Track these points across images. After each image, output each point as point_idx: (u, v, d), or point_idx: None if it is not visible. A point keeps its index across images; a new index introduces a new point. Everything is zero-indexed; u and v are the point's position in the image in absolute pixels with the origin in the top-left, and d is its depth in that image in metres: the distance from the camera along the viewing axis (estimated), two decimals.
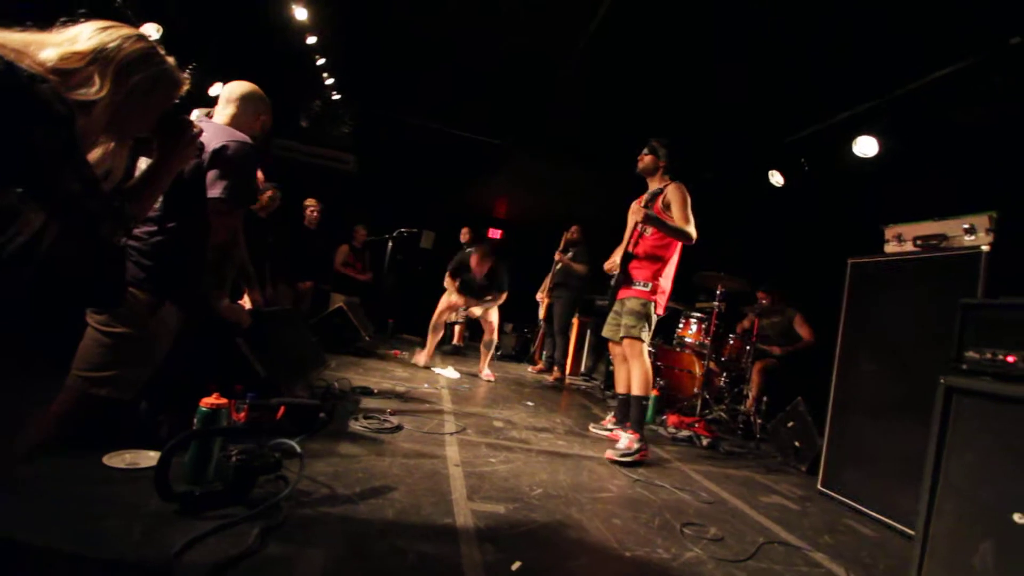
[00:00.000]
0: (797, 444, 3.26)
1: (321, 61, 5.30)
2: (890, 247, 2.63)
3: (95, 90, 0.99)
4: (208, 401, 1.46)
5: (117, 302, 1.00)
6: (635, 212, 2.85)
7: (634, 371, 2.85)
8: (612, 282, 3.04)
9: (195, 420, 1.47)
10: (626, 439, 2.64)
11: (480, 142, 7.11)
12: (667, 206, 2.86)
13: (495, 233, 8.37)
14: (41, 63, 0.93)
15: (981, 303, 1.74)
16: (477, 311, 4.64)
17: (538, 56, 4.87)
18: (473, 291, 4.61)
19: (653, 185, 3.04)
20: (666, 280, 2.93)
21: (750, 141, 5.48)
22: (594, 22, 4.13)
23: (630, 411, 2.82)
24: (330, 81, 5.76)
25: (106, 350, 1.51)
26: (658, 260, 2.90)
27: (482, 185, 7.50)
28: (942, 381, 1.69)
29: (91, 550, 1.07)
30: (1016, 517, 1.40)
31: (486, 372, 4.63)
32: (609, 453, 2.54)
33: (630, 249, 2.98)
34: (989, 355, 1.61)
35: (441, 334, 4.74)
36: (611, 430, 3.11)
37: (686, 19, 3.98)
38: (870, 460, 2.43)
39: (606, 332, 3.08)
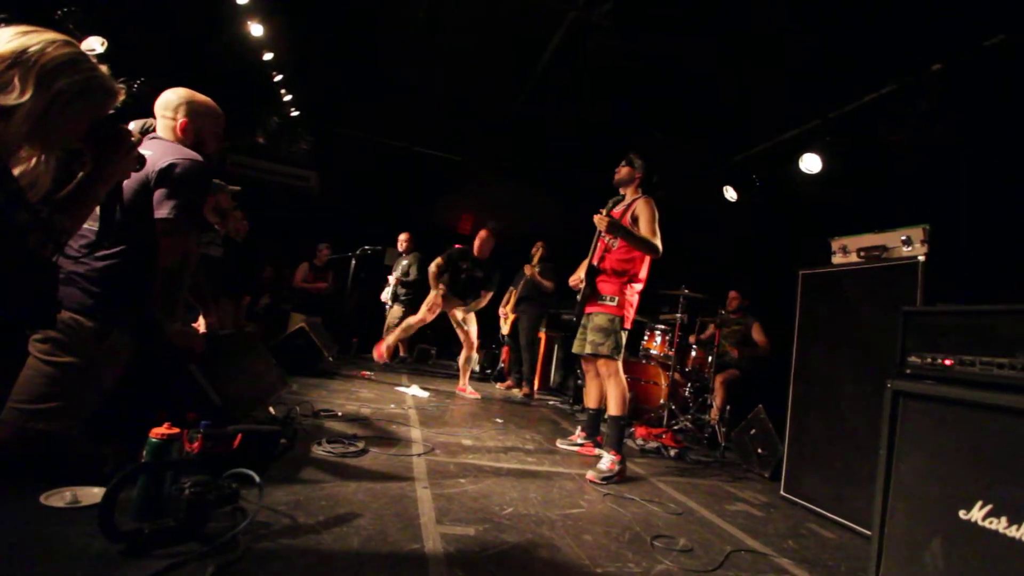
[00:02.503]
0: (760, 451, 3.35)
1: (278, 77, 5.22)
2: (837, 258, 2.77)
3: (15, 96, 0.93)
4: (158, 431, 1.38)
5: (47, 320, 0.94)
6: (600, 221, 2.81)
7: (610, 391, 2.79)
8: (578, 296, 3.05)
9: (144, 452, 1.38)
10: (607, 460, 2.58)
11: (441, 159, 7.14)
12: (635, 219, 2.88)
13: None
14: None
15: (920, 311, 1.85)
16: (458, 314, 4.57)
17: (495, 82, 4.98)
18: (461, 287, 4.53)
19: (627, 195, 3.09)
20: (633, 294, 2.91)
21: (705, 157, 5.71)
22: (545, 55, 4.26)
23: (608, 431, 2.75)
24: (288, 97, 5.67)
25: (49, 381, 1.42)
26: (624, 274, 2.88)
27: (445, 202, 7.51)
28: (889, 385, 1.78)
29: None
30: (962, 513, 1.48)
31: (469, 389, 4.59)
32: (591, 475, 2.49)
33: (595, 263, 2.98)
34: (929, 359, 1.71)
35: (407, 335, 4.71)
36: (580, 444, 3.11)
37: (640, 46, 4.16)
38: (827, 464, 2.52)
39: (575, 347, 3.08)
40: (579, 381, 5.09)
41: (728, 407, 4.06)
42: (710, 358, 4.35)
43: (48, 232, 0.94)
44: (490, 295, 4.66)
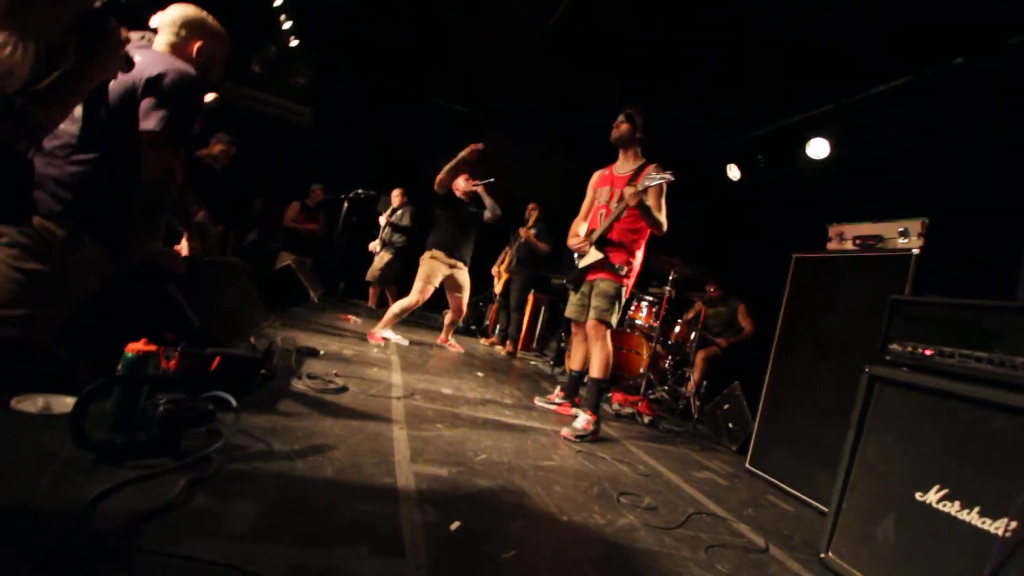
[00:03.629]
0: (730, 425, 3.44)
1: (279, 2, 4.94)
2: (832, 244, 2.77)
3: None
4: (135, 347, 1.35)
5: (18, 216, 0.89)
6: (632, 198, 2.69)
7: (595, 353, 2.81)
8: (578, 261, 2.98)
9: (119, 367, 1.36)
10: (583, 419, 2.61)
11: (445, 108, 6.92)
12: (644, 190, 2.77)
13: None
14: None
15: (908, 300, 1.86)
16: (453, 274, 4.32)
17: (511, 31, 4.76)
18: (460, 239, 4.31)
19: (626, 158, 2.97)
20: (636, 264, 2.91)
21: (711, 134, 5.61)
22: (559, 9, 4.06)
23: (588, 392, 2.78)
24: (287, 25, 5.39)
25: (17, 287, 1.37)
26: (632, 244, 2.87)
27: (444, 154, 7.33)
28: (867, 370, 1.81)
29: None
30: (917, 495, 1.53)
31: (451, 342, 4.62)
32: (565, 432, 2.53)
33: (605, 233, 2.89)
34: (910, 348, 1.73)
35: (399, 319, 4.36)
36: (558, 404, 3.15)
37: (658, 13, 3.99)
38: (795, 443, 2.59)
39: (570, 312, 3.05)
40: (562, 344, 5.14)
41: (705, 382, 4.14)
42: (693, 334, 4.40)
43: (22, 125, 0.88)
44: (493, 214, 4.38)
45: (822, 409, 2.48)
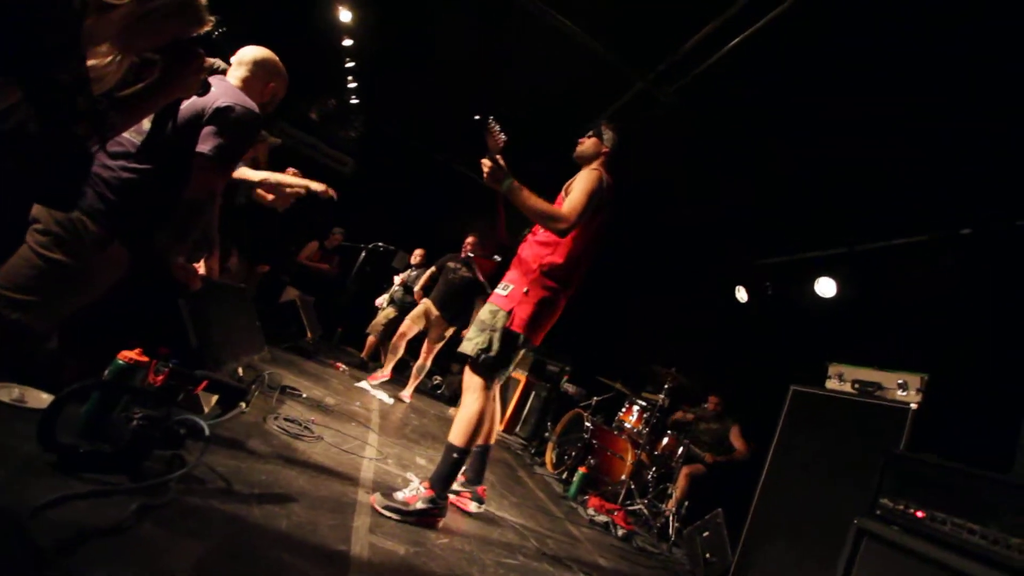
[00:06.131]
0: (708, 556, 3.23)
1: (350, 64, 5.41)
2: (831, 383, 2.77)
3: None
4: (127, 355, 1.35)
5: (69, 203, 0.95)
6: (484, 165, 1.98)
7: (462, 408, 2.08)
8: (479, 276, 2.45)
9: (107, 372, 1.35)
10: (412, 491, 1.89)
11: (474, 182, 7.27)
12: (568, 192, 2.16)
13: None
14: None
15: (902, 455, 1.83)
16: (435, 334, 4.50)
17: (547, 128, 5.11)
18: (449, 290, 4.48)
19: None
20: (541, 294, 2.10)
21: (726, 253, 5.80)
22: (616, 104, 4.38)
23: (440, 462, 2.05)
24: (352, 84, 5.86)
25: (35, 273, 1.40)
26: (536, 261, 2.14)
27: (466, 223, 7.62)
28: (855, 522, 1.74)
29: None
30: None
31: (405, 393, 4.50)
32: (375, 498, 1.82)
33: (512, 241, 2.32)
34: (902, 506, 1.68)
35: (399, 355, 4.57)
36: (456, 493, 2.31)
37: (695, 130, 4.31)
38: None
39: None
40: (546, 435, 4.99)
41: (687, 502, 3.96)
42: (680, 449, 4.27)
43: (98, 124, 0.96)
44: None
45: (806, 553, 2.35)
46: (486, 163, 1.97)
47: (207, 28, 1.20)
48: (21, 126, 0.78)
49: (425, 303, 4.57)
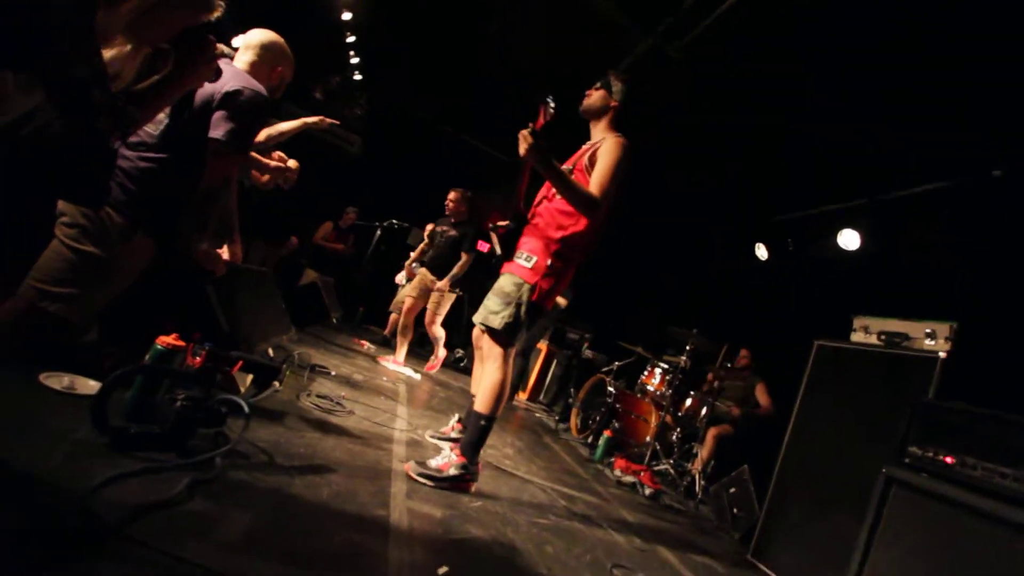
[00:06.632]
0: (736, 511, 3.29)
1: (351, 39, 5.31)
2: (856, 336, 2.73)
3: None
4: (165, 340, 1.40)
5: (97, 200, 0.97)
6: (524, 139, 1.94)
7: (485, 377, 2.09)
8: (496, 249, 2.32)
9: (147, 356, 1.41)
10: (446, 458, 1.95)
11: (484, 153, 7.19)
12: (592, 162, 2.11)
13: (483, 247, 8.39)
14: None
15: (931, 403, 1.81)
16: (436, 293, 4.42)
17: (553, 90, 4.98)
18: (437, 252, 4.47)
19: (595, 134, 2.27)
20: (562, 261, 2.12)
21: (743, 210, 5.69)
22: (625, 61, 4.24)
23: (466, 428, 2.14)
24: (355, 60, 5.77)
25: (68, 266, 1.45)
26: (558, 231, 2.11)
27: (481, 198, 7.58)
28: (884, 471, 1.75)
29: (2, 466, 1.01)
30: None
31: (396, 360, 4.33)
32: (410, 466, 1.89)
33: (530, 210, 2.27)
34: (931, 453, 1.68)
35: (411, 336, 4.53)
36: (453, 440, 2.39)
37: (705, 87, 4.17)
38: (802, 538, 2.47)
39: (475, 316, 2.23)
40: (570, 400, 5.07)
41: (713, 462, 4.00)
42: (705, 408, 4.30)
43: (119, 120, 0.98)
44: (468, 259, 4.41)
45: (833, 506, 2.38)
46: (526, 136, 1.93)
47: (217, 13, 1.19)
48: (46, 125, 0.79)
49: (422, 273, 4.52)
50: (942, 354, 2.24)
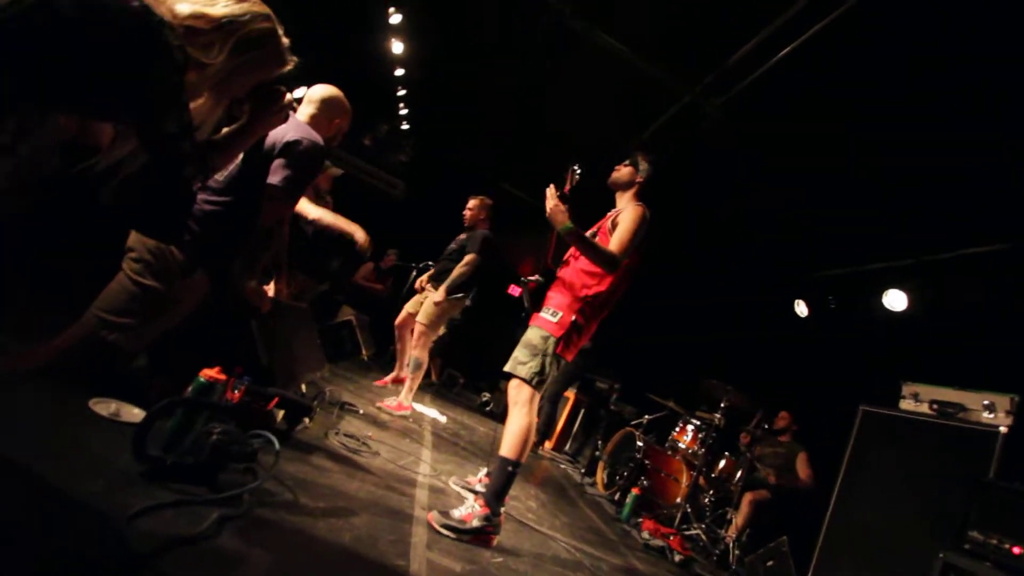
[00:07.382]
0: None
1: (401, 92, 5.66)
2: (905, 404, 2.59)
3: (212, 55, 1.09)
4: (209, 373, 1.46)
5: (175, 237, 1.06)
6: (554, 212, 2.14)
7: (510, 422, 2.13)
8: (525, 301, 2.48)
9: (189, 388, 1.47)
10: (468, 508, 1.94)
11: (522, 201, 7.37)
12: (615, 226, 2.29)
13: (514, 290, 8.44)
14: (174, 15, 1.04)
15: (994, 483, 1.68)
16: (435, 298, 3.88)
17: (594, 143, 5.13)
18: (440, 271, 4.01)
19: (620, 203, 2.48)
20: (584, 318, 2.23)
21: (781, 265, 5.57)
22: (648, 132, 4.36)
23: (492, 476, 2.13)
24: (404, 111, 6.11)
25: (130, 298, 1.55)
26: (584, 288, 2.24)
27: (519, 245, 7.71)
28: (941, 556, 1.61)
29: (50, 488, 1.05)
30: None
31: (402, 404, 3.66)
32: (433, 515, 1.87)
33: (552, 265, 2.44)
34: (995, 540, 1.54)
35: (423, 370, 4.03)
36: (477, 493, 2.32)
37: (743, 143, 4.21)
38: None
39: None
40: (596, 452, 4.90)
41: (748, 530, 3.76)
42: (740, 471, 4.08)
43: (202, 167, 1.08)
44: (473, 259, 3.93)
45: None
46: (552, 196, 2.16)
47: (288, 67, 1.31)
48: (140, 170, 0.88)
49: (428, 288, 4.16)
50: (1003, 428, 2.09)
